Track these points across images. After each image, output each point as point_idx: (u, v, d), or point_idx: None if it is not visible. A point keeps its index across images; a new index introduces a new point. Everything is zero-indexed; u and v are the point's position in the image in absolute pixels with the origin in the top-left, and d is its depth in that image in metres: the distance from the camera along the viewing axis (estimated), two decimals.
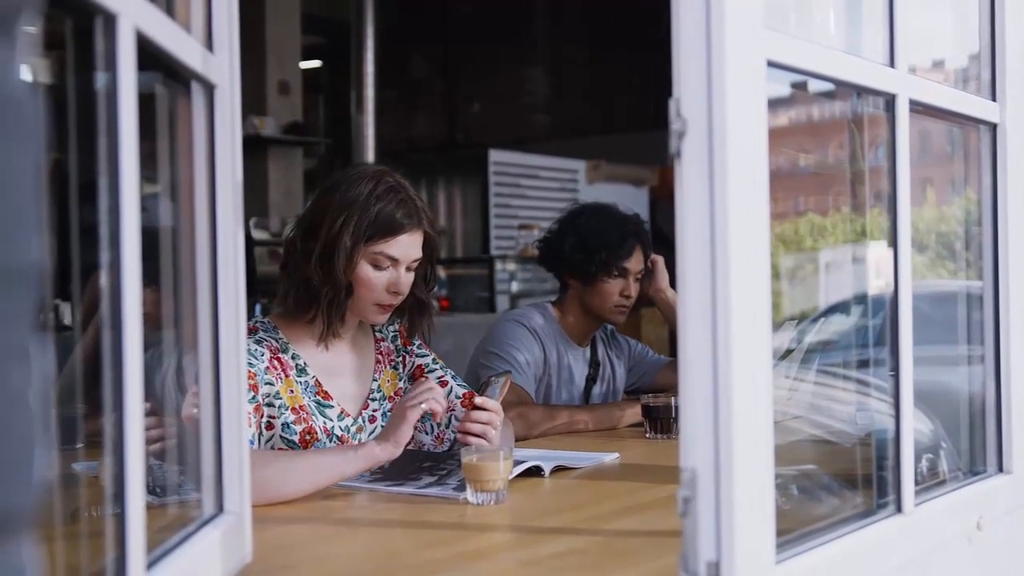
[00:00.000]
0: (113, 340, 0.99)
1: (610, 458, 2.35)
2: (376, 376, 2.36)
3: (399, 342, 2.42)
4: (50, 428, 0.58)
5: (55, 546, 1.09)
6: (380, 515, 1.83)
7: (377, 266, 2.19)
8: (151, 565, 1.08)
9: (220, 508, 1.36)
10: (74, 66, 1.04)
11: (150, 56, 1.10)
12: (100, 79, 1.00)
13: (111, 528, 1.01)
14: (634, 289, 3.02)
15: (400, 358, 2.41)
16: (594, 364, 3.15)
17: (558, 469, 2.19)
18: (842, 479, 1.70)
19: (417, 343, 2.44)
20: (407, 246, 2.20)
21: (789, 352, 2.07)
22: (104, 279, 1.00)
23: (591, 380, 3.14)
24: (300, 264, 2.20)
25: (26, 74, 0.59)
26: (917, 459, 1.58)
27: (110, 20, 0.98)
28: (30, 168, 0.57)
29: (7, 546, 0.56)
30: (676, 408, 2.66)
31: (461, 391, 2.38)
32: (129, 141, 1.00)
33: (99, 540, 1.08)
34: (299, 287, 2.20)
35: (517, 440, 2.66)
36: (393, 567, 1.54)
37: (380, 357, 2.38)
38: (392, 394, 2.37)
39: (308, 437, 2.17)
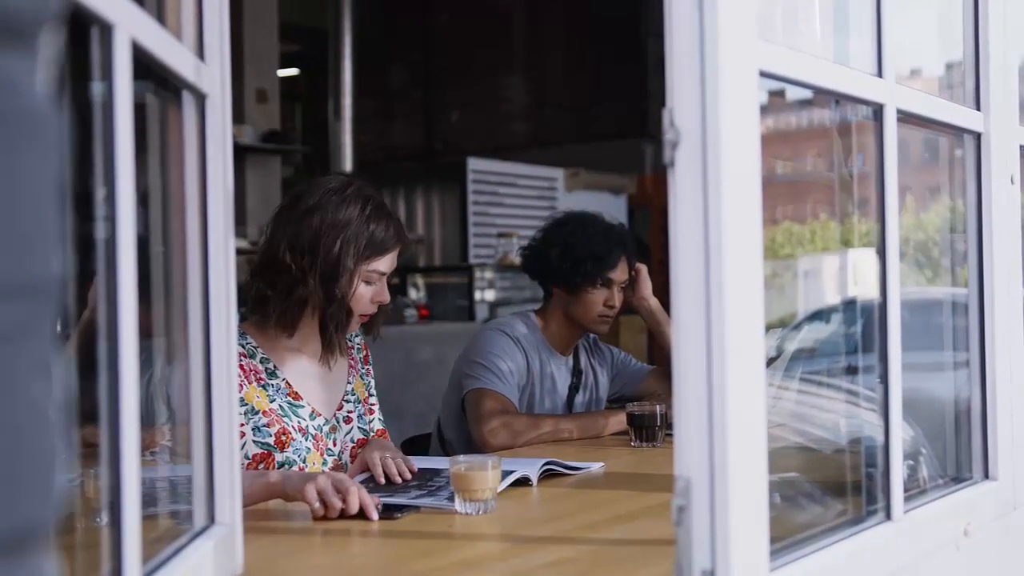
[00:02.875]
0: (108, 351, 0.99)
1: (597, 467, 2.36)
2: (350, 379, 2.43)
3: (361, 355, 2.51)
4: (68, 442, 0.58)
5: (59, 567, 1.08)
6: (369, 526, 1.82)
7: (368, 282, 2.28)
8: None
9: (212, 519, 1.36)
10: (67, 75, 1.03)
11: (142, 65, 1.09)
12: (95, 88, 1.00)
13: (105, 539, 1.01)
14: (618, 299, 3.02)
15: (364, 370, 2.51)
16: (577, 373, 3.15)
17: (547, 474, 2.19)
18: (831, 487, 1.71)
19: (371, 363, 2.54)
20: (393, 260, 2.32)
21: (772, 360, 2.07)
22: (100, 288, 0.99)
23: (574, 389, 3.14)
24: (294, 283, 2.23)
25: (46, 87, 0.59)
26: None
27: (106, 30, 0.98)
28: (52, 180, 0.57)
29: (30, 559, 0.56)
30: (661, 416, 2.66)
31: (378, 426, 2.48)
32: (125, 150, 1.00)
33: (89, 551, 1.08)
34: (296, 306, 2.25)
35: (502, 449, 2.66)
36: None
37: (352, 362, 2.46)
38: (363, 400, 2.45)
39: (283, 438, 2.23)
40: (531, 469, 2.15)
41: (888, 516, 1.52)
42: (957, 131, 1.82)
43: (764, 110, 1.45)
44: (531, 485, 2.12)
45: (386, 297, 2.31)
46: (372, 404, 2.49)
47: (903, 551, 1.54)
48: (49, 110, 0.58)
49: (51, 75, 0.61)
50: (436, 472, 2.19)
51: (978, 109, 1.82)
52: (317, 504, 1.83)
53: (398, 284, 7.30)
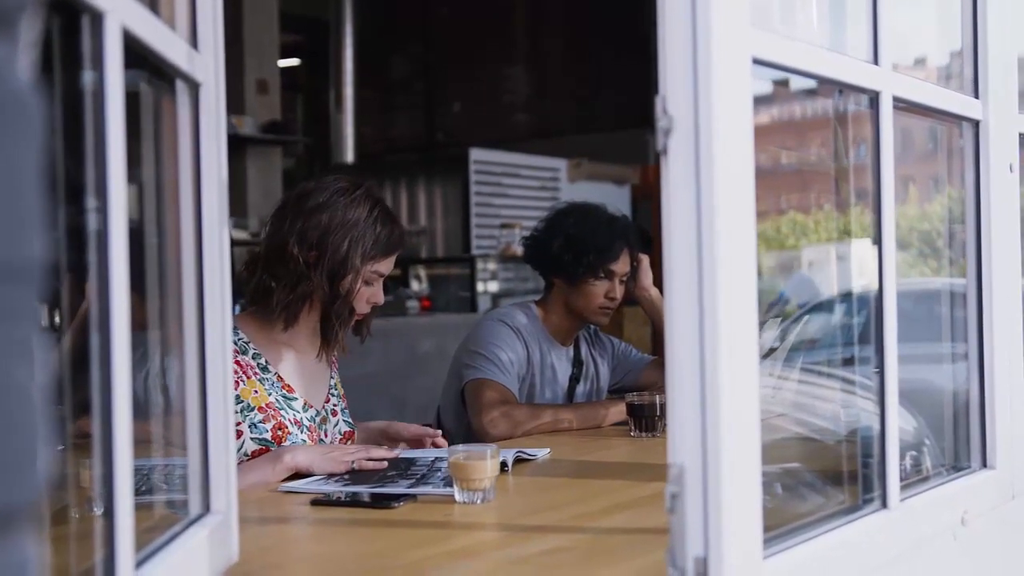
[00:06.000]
0: (101, 341, 0.99)
1: (542, 453, 2.37)
2: (332, 375, 2.48)
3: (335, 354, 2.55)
4: (51, 423, 0.59)
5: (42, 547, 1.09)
6: (365, 515, 1.82)
7: (368, 283, 2.33)
8: (139, 564, 1.07)
9: (207, 508, 1.36)
10: (58, 64, 1.03)
11: (134, 54, 1.09)
12: (86, 77, 0.99)
13: (99, 528, 1.01)
14: (619, 291, 3.02)
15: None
16: (577, 363, 3.15)
17: (519, 461, 2.24)
18: (827, 476, 1.71)
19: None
20: (392, 263, 2.38)
21: (773, 350, 2.07)
22: (92, 281, 0.99)
23: (575, 379, 3.14)
24: (299, 277, 2.26)
25: (28, 72, 0.59)
26: (901, 456, 1.59)
27: (97, 18, 0.97)
28: (33, 165, 0.57)
29: (12, 541, 0.56)
30: (661, 406, 2.66)
31: (344, 428, 2.47)
32: (116, 140, 1.00)
33: (84, 540, 1.08)
34: (300, 300, 2.28)
35: (502, 439, 2.66)
36: (380, 567, 1.54)
37: (333, 359, 2.50)
38: (342, 394, 2.51)
39: (280, 432, 2.26)
40: (507, 455, 2.17)
41: (884, 504, 1.52)
42: (955, 119, 1.82)
43: (767, 99, 1.45)
44: (507, 472, 2.13)
45: (381, 299, 2.38)
46: (337, 404, 2.51)
47: (899, 539, 1.54)
48: (30, 95, 0.58)
49: (32, 60, 0.61)
50: (412, 461, 2.20)
51: (976, 97, 1.81)
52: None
53: (400, 276, 7.31)
